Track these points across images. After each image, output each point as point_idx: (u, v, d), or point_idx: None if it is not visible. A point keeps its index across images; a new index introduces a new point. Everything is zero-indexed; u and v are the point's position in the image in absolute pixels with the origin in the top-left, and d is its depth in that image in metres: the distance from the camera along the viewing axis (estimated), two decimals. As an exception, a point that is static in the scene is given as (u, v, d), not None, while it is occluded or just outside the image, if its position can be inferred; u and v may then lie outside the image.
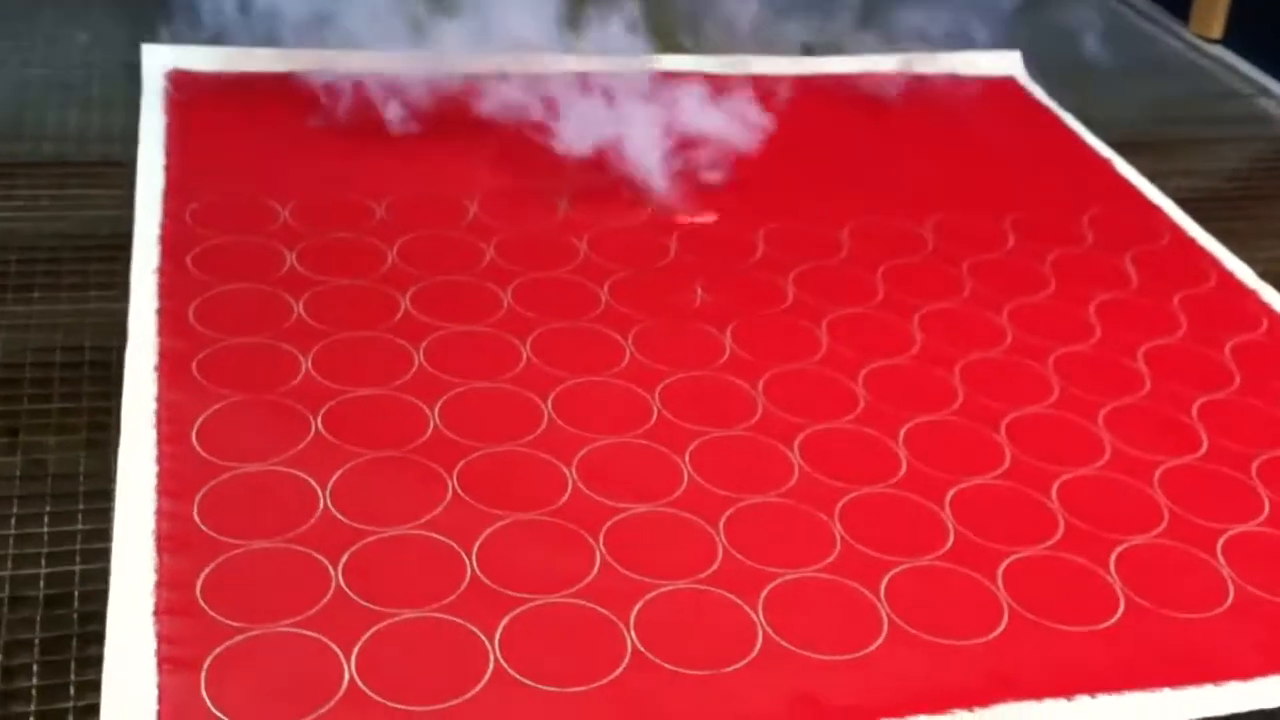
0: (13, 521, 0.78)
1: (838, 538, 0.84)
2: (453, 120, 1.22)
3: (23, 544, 0.77)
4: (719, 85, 1.26)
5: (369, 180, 1.14)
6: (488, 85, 1.23)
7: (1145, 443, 0.94)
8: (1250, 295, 1.12)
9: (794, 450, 0.91)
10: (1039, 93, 1.42)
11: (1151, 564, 0.85)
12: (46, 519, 0.79)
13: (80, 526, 0.78)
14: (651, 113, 1.19)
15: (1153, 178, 1.28)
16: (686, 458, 0.89)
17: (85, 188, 1.09)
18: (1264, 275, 1.15)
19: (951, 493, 0.89)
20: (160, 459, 0.83)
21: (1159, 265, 1.15)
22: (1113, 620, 0.81)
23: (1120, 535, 0.87)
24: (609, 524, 0.83)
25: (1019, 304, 1.08)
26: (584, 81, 1.22)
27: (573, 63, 1.26)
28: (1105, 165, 1.30)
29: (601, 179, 1.16)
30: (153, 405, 0.87)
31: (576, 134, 1.17)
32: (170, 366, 0.91)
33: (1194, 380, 1.01)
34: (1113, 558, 0.85)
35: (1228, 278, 1.14)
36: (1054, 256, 1.15)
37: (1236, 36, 1.60)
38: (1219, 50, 1.58)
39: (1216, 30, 1.60)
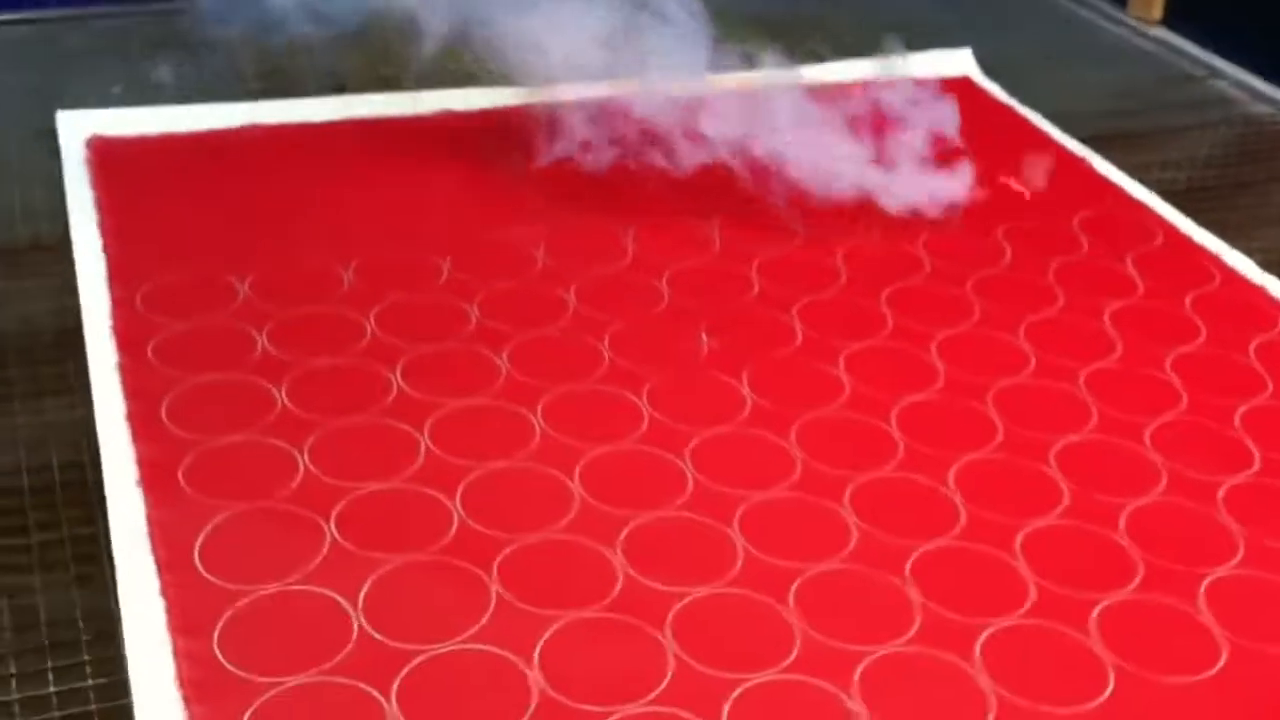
0: (13, 684, 0.68)
1: (916, 605, 0.78)
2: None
3: (30, 711, 0.67)
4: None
5: (331, 241, 1.05)
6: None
7: (1201, 464, 0.90)
8: (1258, 291, 1.09)
9: (845, 507, 0.84)
10: (997, 91, 1.38)
11: (1241, 597, 0.80)
12: (51, 676, 0.69)
13: (91, 681, 0.69)
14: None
15: (1131, 172, 1.24)
16: (736, 526, 0.82)
17: (17, 278, 0.99)
18: (1265, 266, 1.11)
19: (1019, 538, 0.83)
20: (165, 590, 0.74)
21: (1161, 266, 1.11)
22: (1216, 668, 0.76)
23: (1204, 569, 0.82)
24: (674, 611, 0.76)
25: (1033, 321, 1.03)
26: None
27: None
28: (1081, 164, 1.26)
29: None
30: (144, 527, 0.78)
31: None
32: (154, 479, 0.81)
33: (1229, 390, 0.97)
34: (1200, 593, 0.80)
35: (1231, 274, 1.10)
36: (1055, 266, 1.10)
37: (1176, 17, 1.57)
38: (1160, 32, 1.56)
39: (1156, 12, 1.57)
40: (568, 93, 1.17)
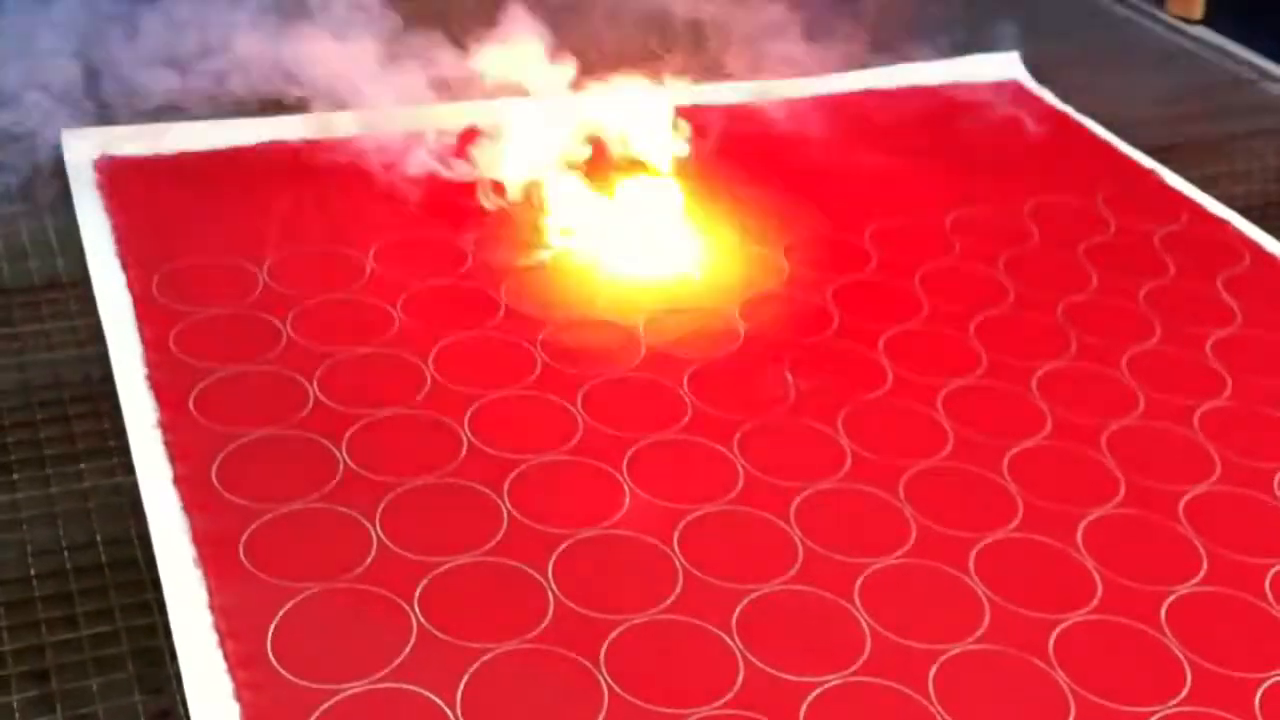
0: (81, 818, 0.60)
1: (1064, 690, 0.71)
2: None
3: None
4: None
5: (379, 270, 0.97)
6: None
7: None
8: (1358, 316, 1.03)
9: (972, 575, 0.77)
10: (1049, 96, 1.31)
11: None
12: (121, 805, 0.61)
13: (167, 809, 0.61)
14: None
15: (1201, 185, 1.18)
16: (858, 600, 0.75)
17: (37, 320, 0.89)
18: (1360, 287, 1.05)
19: (1165, 606, 0.76)
20: (239, 692, 0.66)
21: (1251, 292, 1.04)
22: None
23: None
24: (808, 701, 0.69)
25: (1134, 355, 0.96)
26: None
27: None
28: (1151, 177, 1.19)
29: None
30: (207, 617, 0.69)
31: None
32: (213, 557, 0.73)
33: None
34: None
35: (1328, 297, 1.04)
36: (1146, 291, 1.03)
37: (1217, 16, 1.51)
38: (1200, 31, 1.49)
39: (1197, 11, 1.50)
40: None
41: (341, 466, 0.80)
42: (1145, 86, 1.37)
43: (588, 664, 0.69)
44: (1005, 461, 0.85)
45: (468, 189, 1.06)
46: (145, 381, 0.84)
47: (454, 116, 1.12)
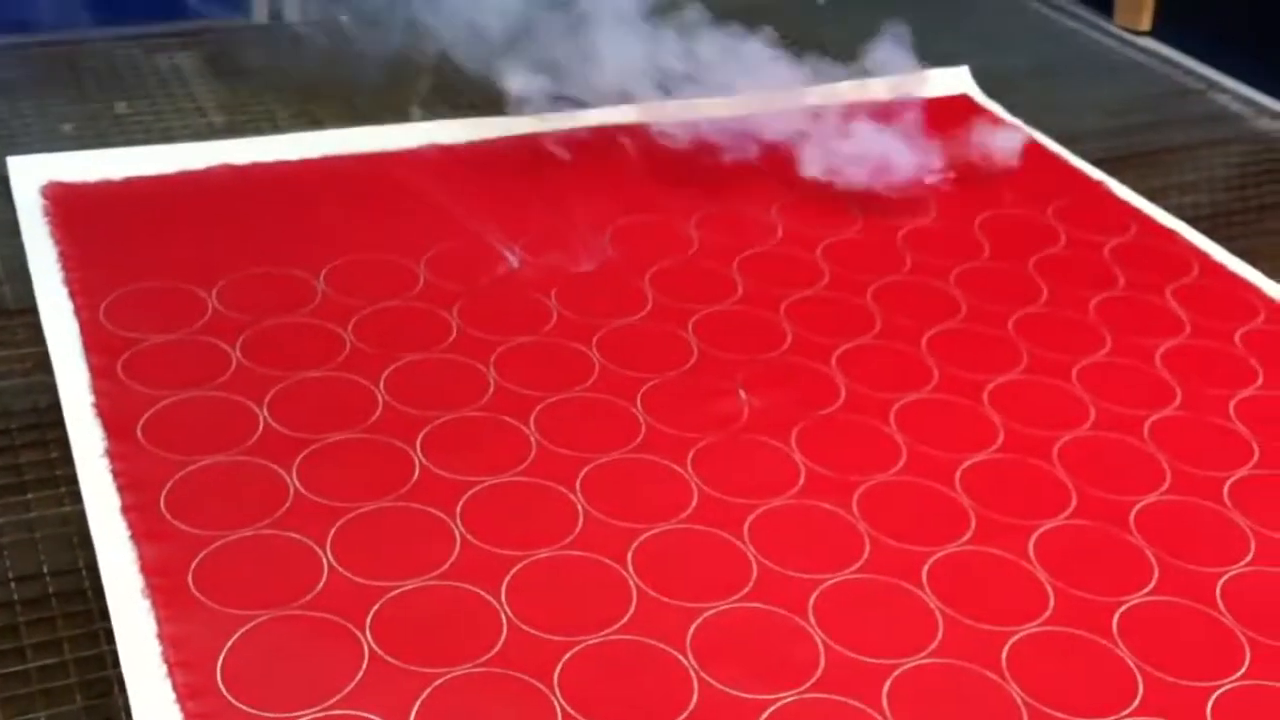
0: None
1: (1017, 702, 0.71)
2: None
3: None
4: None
5: (331, 291, 0.96)
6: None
7: (1288, 523, 0.84)
8: (1306, 324, 1.04)
9: (925, 589, 0.77)
10: (999, 110, 1.32)
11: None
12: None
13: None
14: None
15: (1150, 196, 1.19)
16: (811, 618, 0.75)
17: (-18, 350, 0.89)
18: (1306, 297, 1.06)
19: (1116, 616, 0.77)
20: (188, 722, 0.65)
21: (1202, 302, 1.05)
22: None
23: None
24: (763, 717, 0.69)
25: (1084, 366, 0.97)
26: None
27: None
28: (1100, 189, 1.20)
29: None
30: (156, 647, 0.69)
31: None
32: (162, 587, 0.72)
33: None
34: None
35: (1276, 307, 1.05)
36: (1096, 302, 1.04)
37: (1165, 27, 1.52)
38: (1148, 42, 1.51)
39: (1145, 22, 1.52)
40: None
41: (291, 492, 0.79)
42: (1093, 98, 1.38)
43: (541, 686, 0.69)
44: (957, 475, 0.86)
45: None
46: (93, 410, 0.83)
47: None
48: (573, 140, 1.15)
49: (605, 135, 1.17)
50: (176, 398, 0.86)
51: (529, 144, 1.16)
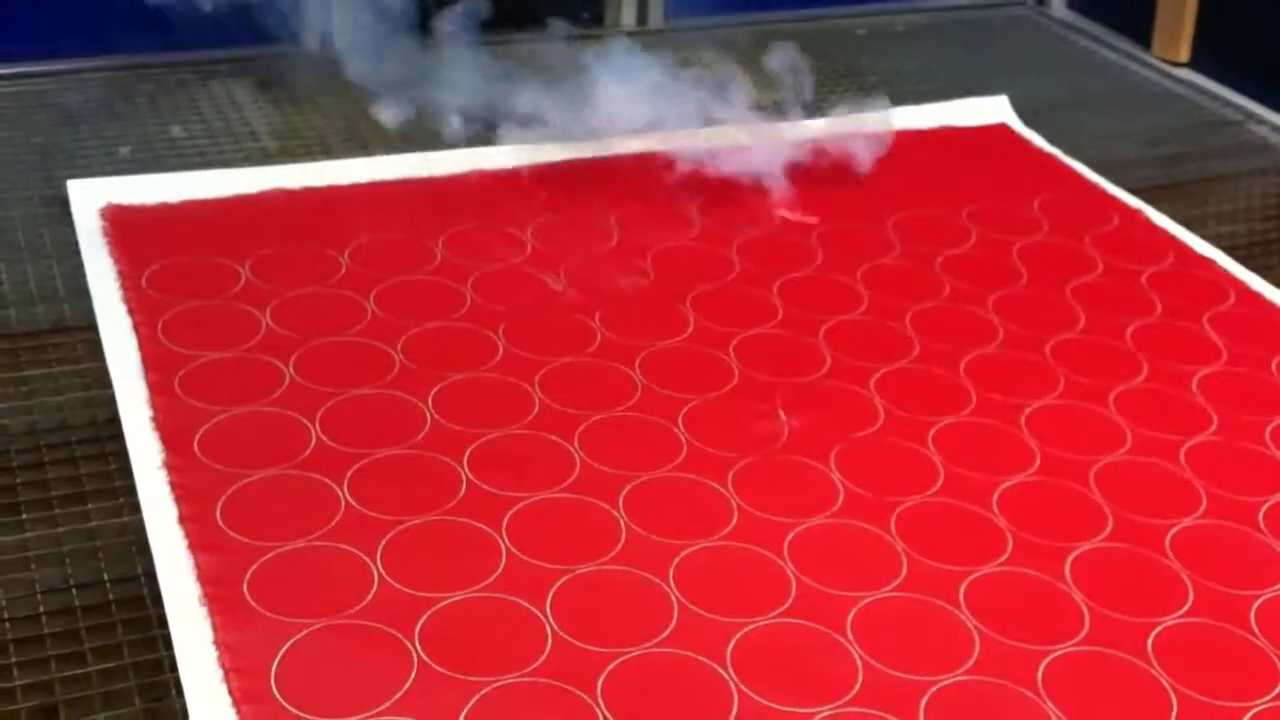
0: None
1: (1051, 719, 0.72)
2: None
3: None
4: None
5: (380, 311, 0.99)
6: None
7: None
8: (1342, 353, 1.04)
9: (962, 608, 0.79)
10: (1037, 139, 1.33)
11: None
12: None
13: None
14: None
15: (1188, 225, 1.20)
16: (850, 634, 0.76)
17: (44, 364, 0.91)
18: (1342, 326, 1.07)
19: (1151, 638, 0.78)
20: (244, 728, 0.67)
21: (1238, 329, 1.06)
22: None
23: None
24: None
25: (1121, 392, 0.98)
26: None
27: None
28: (1138, 217, 1.21)
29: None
30: (212, 653, 0.71)
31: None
32: (218, 595, 0.74)
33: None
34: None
35: (1313, 336, 1.06)
36: (1133, 329, 1.05)
37: (1202, 58, 1.53)
38: (1186, 73, 1.52)
39: (1183, 54, 1.53)
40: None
41: (343, 505, 0.82)
42: (1132, 129, 1.39)
43: (585, 696, 0.71)
44: (995, 497, 0.87)
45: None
46: (150, 424, 0.86)
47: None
48: (613, 166, 1.18)
49: (645, 161, 1.19)
50: (232, 413, 0.88)
51: (569, 169, 1.18)
